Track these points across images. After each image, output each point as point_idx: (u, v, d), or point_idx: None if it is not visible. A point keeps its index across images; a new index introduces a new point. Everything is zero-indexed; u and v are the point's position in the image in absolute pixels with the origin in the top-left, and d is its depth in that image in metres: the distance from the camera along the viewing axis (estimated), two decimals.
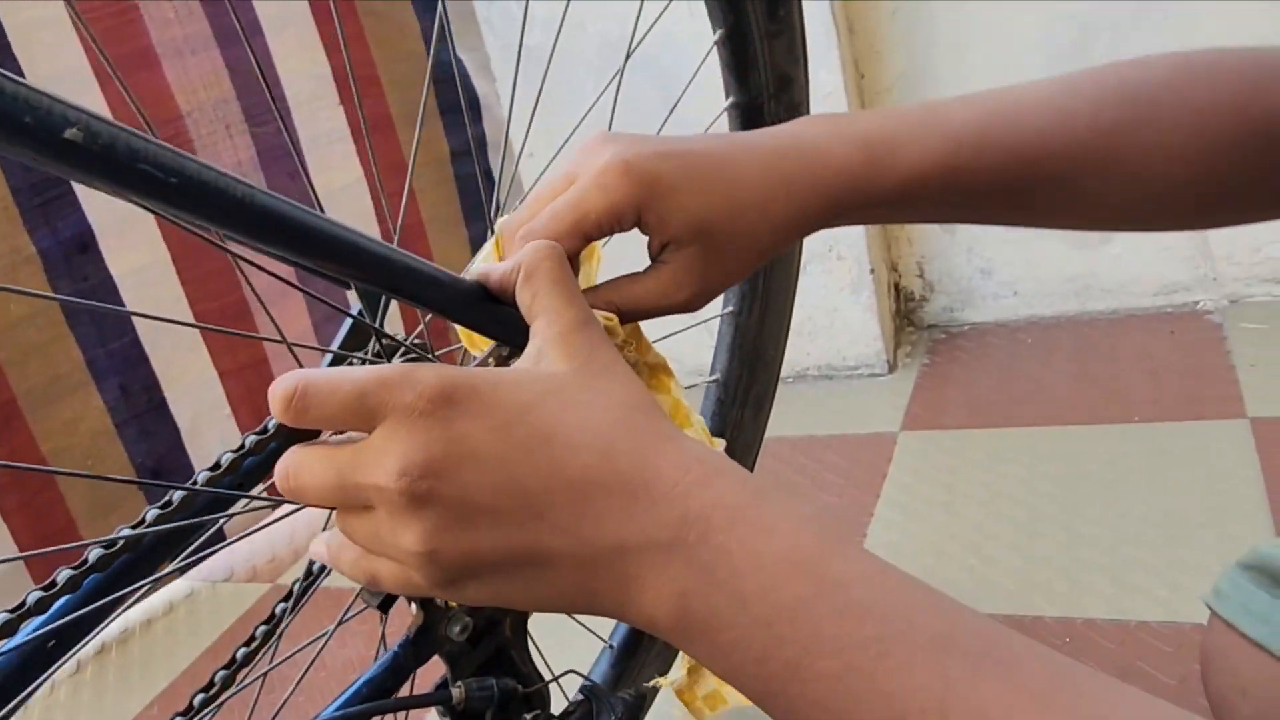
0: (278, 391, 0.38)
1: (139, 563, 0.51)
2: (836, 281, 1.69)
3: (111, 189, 0.34)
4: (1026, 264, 1.73)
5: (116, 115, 1.12)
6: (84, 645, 0.51)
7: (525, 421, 0.38)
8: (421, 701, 0.52)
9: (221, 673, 0.58)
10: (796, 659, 0.35)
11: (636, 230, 0.53)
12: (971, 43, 1.62)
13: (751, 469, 1.02)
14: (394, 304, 0.56)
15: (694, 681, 0.68)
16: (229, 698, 0.59)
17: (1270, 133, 0.53)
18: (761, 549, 0.36)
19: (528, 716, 0.55)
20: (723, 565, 0.36)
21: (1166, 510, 1.19)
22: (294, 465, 0.40)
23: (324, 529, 0.48)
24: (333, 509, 0.41)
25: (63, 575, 0.48)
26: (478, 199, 1.56)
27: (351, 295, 0.51)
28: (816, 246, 1.66)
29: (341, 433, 0.41)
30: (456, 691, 0.51)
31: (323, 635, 0.65)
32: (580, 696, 0.62)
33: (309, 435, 0.46)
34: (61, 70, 1.08)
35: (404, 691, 0.53)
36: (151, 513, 0.50)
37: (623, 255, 0.61)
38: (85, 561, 0.48)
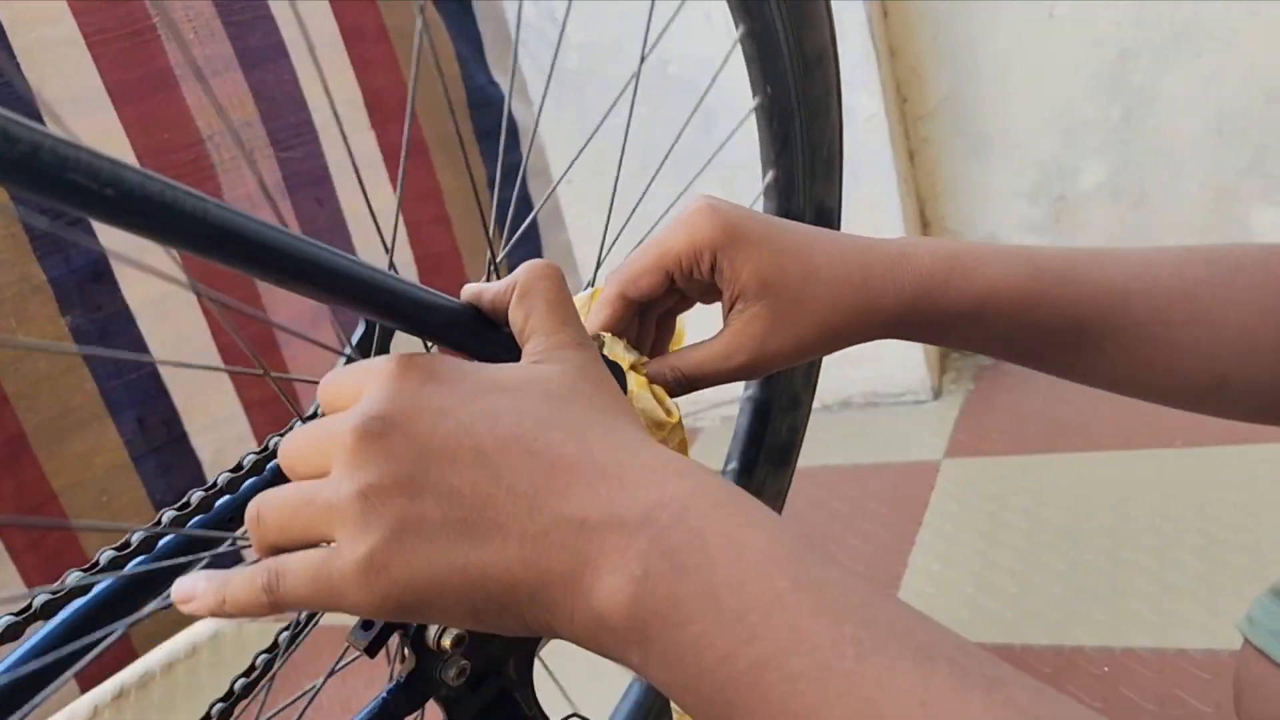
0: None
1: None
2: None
3: (41, 200, 0.29)
4: None
5: (131, 138, 0.98)
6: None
7: (496, 395, 0.35)
8: None
9: (219, 705, 0.49)
10: (766, 657, 0.30)
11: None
12: (1013, 66, 1.52)
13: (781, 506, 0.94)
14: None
15: None
16: None
17: None
18: (742, 539, 0.32)
19: None
20: (694, 551, 0.31)
21: (1208, 536, 1.12)
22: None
23: None
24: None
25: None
26: (516, 224, 1.42)
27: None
28: None
29: None
30: None
31: (312, 688, 0.56)
32: None
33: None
34: (76, 92, 0.95)
35: None
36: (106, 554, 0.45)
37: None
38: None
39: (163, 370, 1.02)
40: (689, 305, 0.55)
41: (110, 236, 0.98)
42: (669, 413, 0.48)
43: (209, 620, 1.25)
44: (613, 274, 0.51)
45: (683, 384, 0.50)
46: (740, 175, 1.48)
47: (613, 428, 0.35)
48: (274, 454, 0.50)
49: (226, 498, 0.50)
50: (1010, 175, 1.57)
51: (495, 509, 0.33)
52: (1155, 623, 1.02)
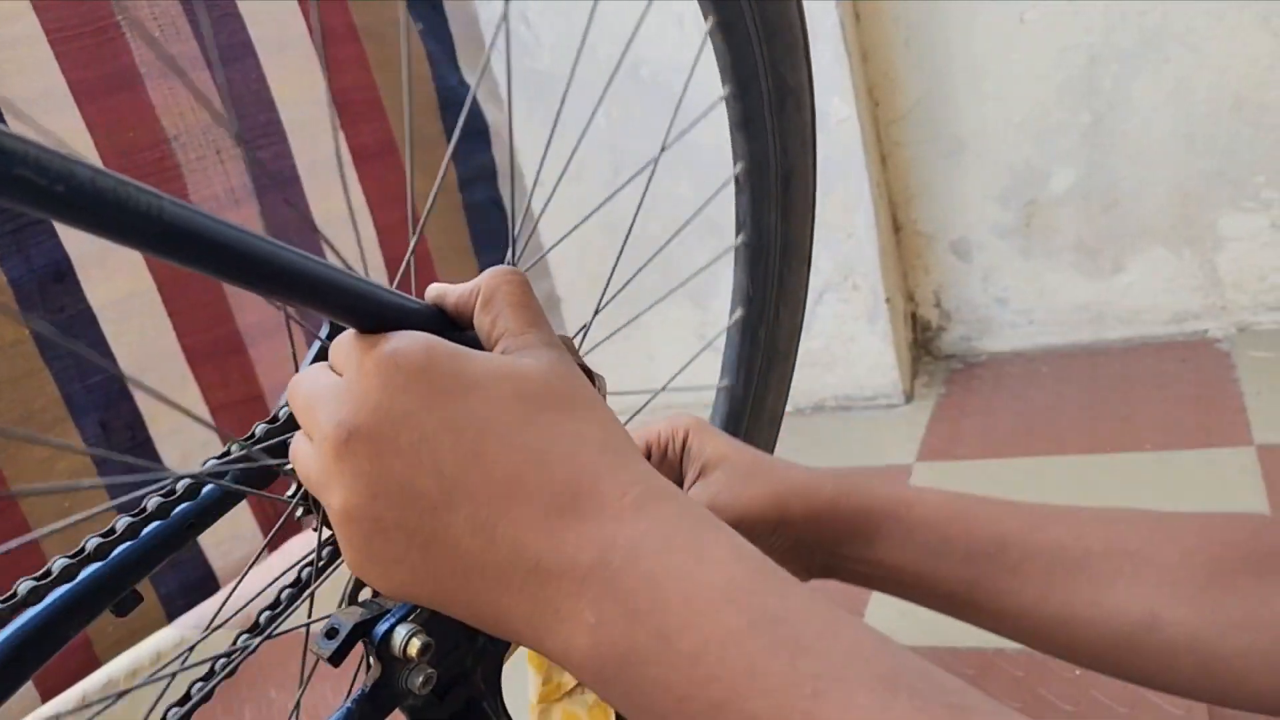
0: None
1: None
2: (852, 310, 1.56)
3: None
4: (1041, 293, 1.62)
5: (95, 138, 0.97)
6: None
7: (465, 399, 0.34)
8: None
9: (175, 710, 0.49)
10: (723, 699, 0.30)
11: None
12: (984, 70, 1.52)
13: None
14: None
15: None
16: None
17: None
18: (695, 577, 0.31)
19: None
20: (646, 595, 0.31)
21: None
22: (297, 378, 0.40)
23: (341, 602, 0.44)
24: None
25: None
26: (487, 228, 1.41)
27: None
28: (832, 275, 1.54)
29: None
30: None
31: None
32: None
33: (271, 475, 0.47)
34: (37, 90, 0.94)
35: None
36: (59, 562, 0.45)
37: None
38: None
39: (127, 373, 1.01)
40: None
41: (73, 236, 0.97)
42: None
43: (173, 627, 1.23)
44: None
45: None
46: (714, 175, 1.48)
47: (579, 439, 0.35)
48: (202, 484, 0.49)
49: (186, 504, 0.50)
50: (982, 179, 1.58)
51: (454, 541, 0.34)
52: None
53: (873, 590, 0.57)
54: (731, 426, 0.87)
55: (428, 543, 0.34)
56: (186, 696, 0.49)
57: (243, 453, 0.48)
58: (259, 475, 0.50)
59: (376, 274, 1.25)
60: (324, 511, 0.47)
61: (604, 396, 0.48)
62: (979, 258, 1.63)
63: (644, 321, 1.41)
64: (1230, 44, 1.38)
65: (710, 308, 1.59)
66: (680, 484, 0.55)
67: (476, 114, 1.36)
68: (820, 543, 0.54)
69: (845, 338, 1.58)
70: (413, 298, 0.41)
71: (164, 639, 1.22)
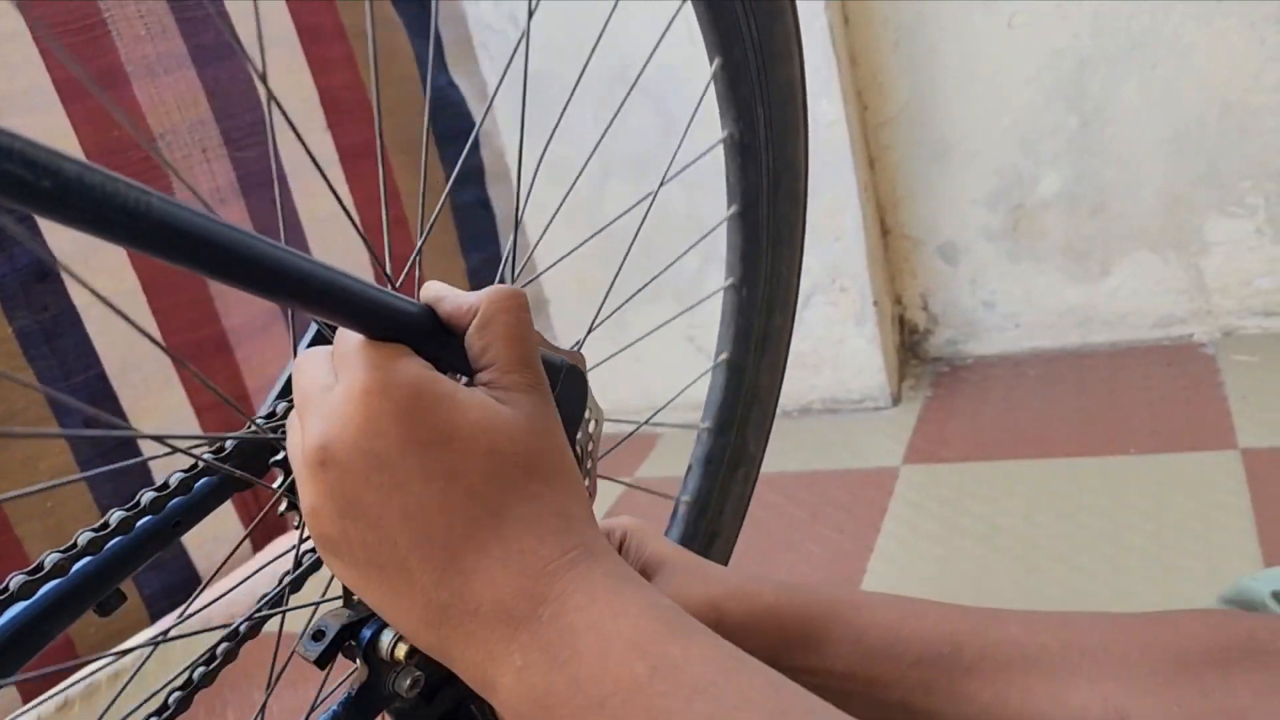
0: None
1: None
2: (840, 313, 1.56)
3: None
4: (1028, 297, 1.63)
5: (81, 135, 0.97)
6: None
7: (440, 450, 0.37)
8: None
9: (154, 719, 0.48)
10: None
11: None
12: (972, 74, 1.53)
13: (753, 483, 0.95)
14: None
15: None
16: None
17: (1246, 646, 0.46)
18: (608, 630, 0.36)
19: None
20: (565, 645, 0.36)
21: (1162, 542, 1.14)
22: (303, 358, 0.41)
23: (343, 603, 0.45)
24: None
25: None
26: (475, 229, 1.41)
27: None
28: (820, 279, 1.54)
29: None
30: None
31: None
32: None
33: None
34: (22, 88, 0.93)
35: None
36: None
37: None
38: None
39: (111, 373, 1.01)
40: None
41: (57, 236, 0.97)
42: None
43: (155, 630, 1.23)
44: None
45: None
46: (704, 181, 1.48)
47: (537, 501, 0.38)
48: (202, 472, 0.49)
49: (178, 499, 0.49)
50: (969, 183, 1.59)
51: (410, 570, 0.37)
52: None
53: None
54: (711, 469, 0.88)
55: (384, 566, 0.37)
56: (164, 706, 0.49)
57: (252, 431, 0.48)
58: (256, 464, 0.49)
59: (364, 274, 1.25)
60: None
61: (585, 371, 0.49)
62: (966, 261, 1.64)
63: (630, 323, 1.41)
64: (1217, 49, 1.39)
65: (697, 310, 1.59)
66: None
67: (464, 115, 1.36)
68: (760, 650, 0.51)
69: (833, 340, 1.59)
70: (406, 298, 0.41)
71: (146, 640, 1.21)
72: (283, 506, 0.47)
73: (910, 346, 1.74)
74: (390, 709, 0.44)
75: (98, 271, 0.99)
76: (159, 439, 0.43)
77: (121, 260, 1.01)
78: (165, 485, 0.47)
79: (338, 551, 0.38)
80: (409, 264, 0.49)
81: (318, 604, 0.48)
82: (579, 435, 0.49)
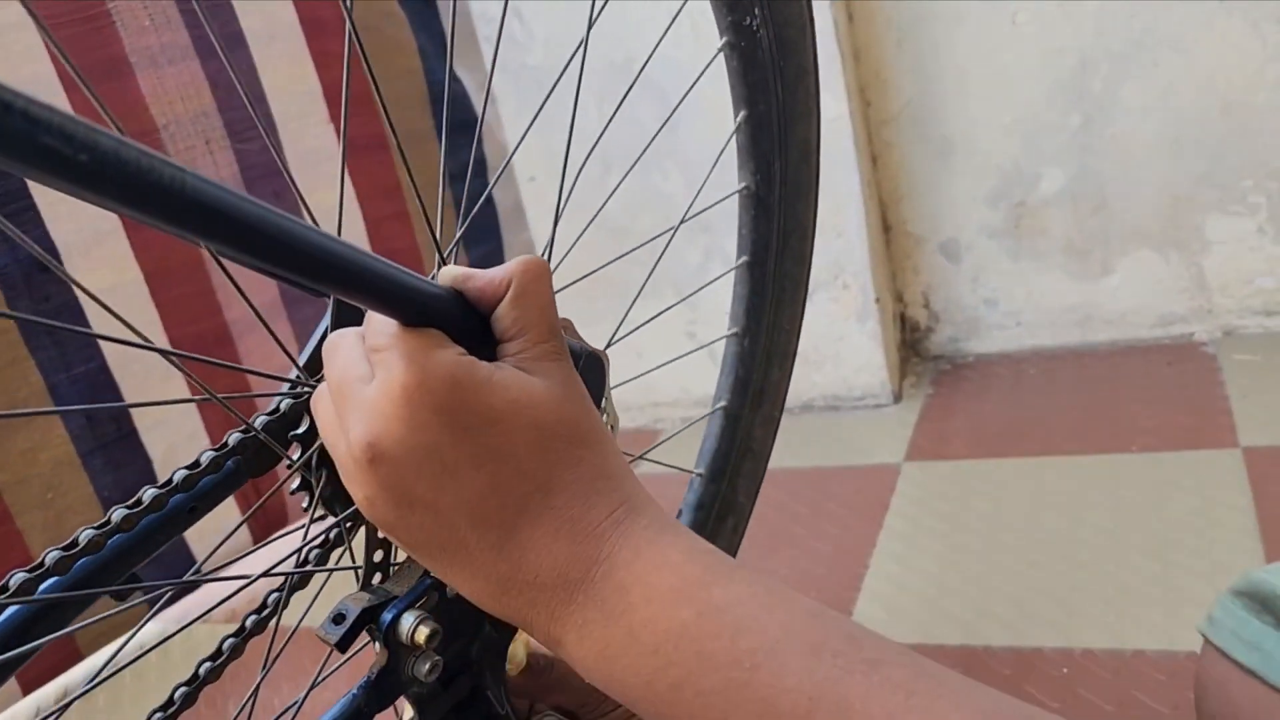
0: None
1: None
2: (842, 310, 1.57)
3: (9, 166, 0.27)
4: (1029, 295, 1.63)
5: None
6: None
7: (486, 433, 0.38)
8: None
9: (158, 715, 0.48)
10: (681, 679, 0.37)
11: None
12: (975, 72, 1.54)
13: (762, 474, 0.96)
14: None
15: None
16: None
17: None
18: (654, 581, 0.38)
19: None
20: (618, 600, 0.38)
21: (1163, 539, 1.14)
22: (335, 340, 0.42)
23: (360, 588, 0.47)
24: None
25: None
26: (477, 222, 1.41)
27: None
28: (822, 275, 1.55)
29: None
30: None
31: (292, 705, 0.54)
32: None
33: (268, 459, 0.48)
34: (25, 78, 0.93)
35: None
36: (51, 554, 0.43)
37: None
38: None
39: (112, 364, 1.01)
40: None
41: (60, 225, 0.97)
42: None
43: (156, 622, 1.23)
44: None
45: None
46: (701, 176, 1.48)
47: (580, 465, 0.40)
48: (233, 451, 0.49)
49: (181, 495, 0.49)
50: (971, 180, 1.59)
51: (469, 549, 0.39)
52: (1113, 624, 1.03)
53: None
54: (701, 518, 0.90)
55: (445, 546, 0.39)
56: (170, 701, 0.49)
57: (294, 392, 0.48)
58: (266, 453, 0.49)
59: None
60: (319, 487, 0.47)
61: (608, 372, 0.50)
62: (968, 259, 1.64)
63: (632, 319, 1.41)
64: (1219, 48, 1.40)
65: (699, 306, 1.60)
66: None
67: (467, 108, 1.36)
68: None
69: (834, 337, 1.59)
70: (433, 282, 0.41)
71: (147, 633, 1.22)
72: (294, 484, 0.47)
73: (912, 344, 1.74)
74: (408, 694, 0.44)
75: (101, 263, 0.99)
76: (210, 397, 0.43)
77: (124, 251, 1.01)
78: (196, 463, 0.48)
79: (397, 534, 0.40)
80: (447, 251, 0.50)
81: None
82: None
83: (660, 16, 1.40)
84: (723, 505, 0.90)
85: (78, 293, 0.98)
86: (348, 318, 0.47)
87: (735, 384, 0.86)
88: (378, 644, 0.43)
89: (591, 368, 0.47)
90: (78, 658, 1.02)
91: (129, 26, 0.99)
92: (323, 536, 0.50)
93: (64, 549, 0.45)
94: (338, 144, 1.19)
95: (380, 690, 0.43)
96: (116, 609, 0.48)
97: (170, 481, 0.48)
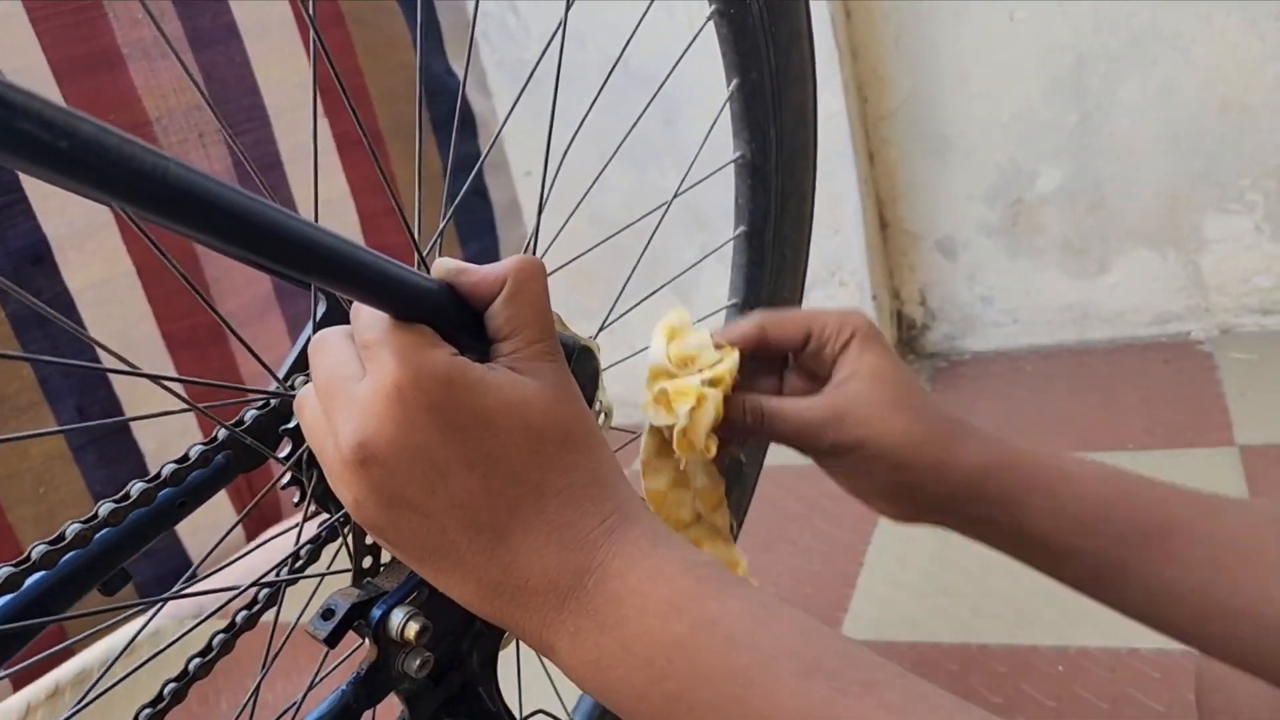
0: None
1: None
2: (838, 306, 1.56)
3: None
4: (1026, 293, 1.63)
5: None
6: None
7: (479, 435, 0.38)
8: None
9: (147, 711, 0.48)
10: (676, 692, 0.36)
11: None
12: (973, 69, 1.54)
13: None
14: None
15: None
16: None
17: None
18: (647, 593, 0.38)
19: None
20: (611, 611, 0.38)
21: None
22: (322, 338, 0.41)
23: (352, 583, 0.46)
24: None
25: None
26: (473, 218, 1.41)
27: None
28: (819, 272, 1.54)
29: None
30: None
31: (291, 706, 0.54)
32: None
33: (258, 454, 0.47)
34: (16, 68, 0.93)
35: None
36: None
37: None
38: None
39: (104, 357, 1.00)
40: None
41: (52, 218, 0.96)
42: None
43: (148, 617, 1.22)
44: (761, 310, 0.56)
45: (755, 425, 0.54)
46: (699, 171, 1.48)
47: (573, 469, 0.40)
48: (222, 446, 0.49)
49: (169, 490, 0.49)
50: (969, 178, 1.59)
51: (460, 553, 0.38)
52: (1108, 622, 1.02)
53: (988, 546, 0.56)
54: None
55: (435, 549, 0.39)
56: (159, 697, 0.49)
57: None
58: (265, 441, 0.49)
59: None
60: (312, 484, 0.47)
61: (599, 362, 0.49)
62: (965, 256, 1.64)
63: (624, 308, 1.41)
64: (1218, 47, 1.40)
65: (693, 301, 1.59)
66: (825, 379, 0.54)
67: (463, 104, 1.36)
68: (944, 500, 0.53)
69: None
70: (426, 276, 0.41)
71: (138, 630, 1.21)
72: (285, 479, 0.47)
73: (908, 341, 1.74)
74: (398, 690, 0.44)
75: (93, 256, 0.99)
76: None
77: (117, 245, 1.00)
78: (185, 458, 0.47)
79: (387, 537, 0.39)
80: (430, 246, 0.49)
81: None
82: None
83: (656, 11, 1.39)
84: (728, 476, 0.89)
85: (70, 286, 0.97)
86: (336, 317, 0.47)
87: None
88: (367, 640, 0.43)
89: (583, 362, 0.46)
90: (69, 653, 1.02)
91: (121, 18, 0.98)
92: (316, 535, 0.50)
93: (50, 543, 0.44)
94: (331, 137, 1.18)
95: (370, 686, 0.43)
96: (107, 605, 0.48)
97: (158, 476, 0.47)
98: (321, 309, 0.48)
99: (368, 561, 0.47)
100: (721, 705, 0.36)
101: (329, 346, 0.41)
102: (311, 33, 0.47)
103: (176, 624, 1.23)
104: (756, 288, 0.82)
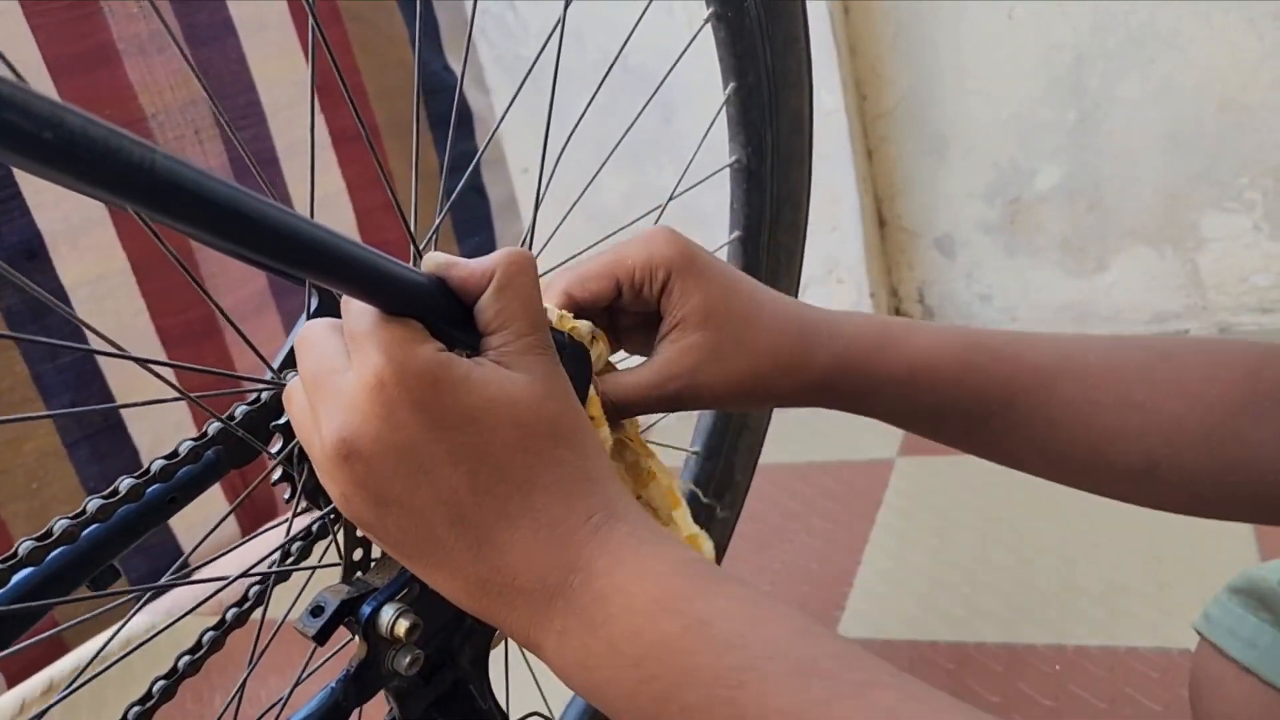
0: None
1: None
2: (836, 304, 1.55)
3: None
4: (1024, 291, 1.63)
5: None
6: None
7: (464, 431, 0.37)
8: None
9: (136, 709, 0.48)
10: (665, 693, 0.36)
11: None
12: (971, 67, 1.53)
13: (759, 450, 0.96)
14: None
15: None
16: None
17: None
18: (635, 591, 0.37)
19: None
20: (598, 609, 0.37)
21: (1157, 536, 1.14)
22: (309, 330, 0.41)
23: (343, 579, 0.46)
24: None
25: None
26: (469, 214, 1.41)
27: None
28: (816, 270, 1.54)
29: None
30: None
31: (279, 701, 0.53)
32: None
33: (249, 450, 0.47)
34: (12, 63, 0.92)
35: None
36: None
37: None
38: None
39: (95, 343, 1.00)
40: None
41: (46, 213, 0.96)
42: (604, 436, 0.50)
43: (143, 615, 1.22)
44: (562, 272, 0.52)
45: (610, 411, 0.50)
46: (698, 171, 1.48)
47: (560, 466, 0.39)
48: (212, 441, 0.49)
49: (158, 486, 0.48)
50: (967, 176, 1.59)
51: (447, 551, 0.38)
52: (1106, 621, 1.03)
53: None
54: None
55: (421, 545, 0.38)
56: (149, 695, 0.48)
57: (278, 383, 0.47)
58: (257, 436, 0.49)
59: None
60: (302, 479, 0.47)
61: (592, 356, 0.49)
62: (963, 254, 1.64)
63: None
64: (1217, 45, 1.39)
65: None
66: (654, 328, 0.51)
67: (460, 100, 1.35)
68: (795, 397, 0.52)
69: None
70: (415, 270, 0.40)
71: (134, 625, 1.21)
72: (276, 474, 0.47)
73: None
74: (388, 688, 0.43)
75: (87, 251, 0.98)
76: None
77: (111, 240, 1.00)
78: (175, 453, 0.47)
79: (374, 532, 0.39)
80: (425, 241, 0.49)
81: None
82: None
83: (655, 10, 1.39)
84: (719, 483, 0.89)
85: (64, 282, 0.97)
86: (329, 313, 0.46)
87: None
88: (357, 637, 0.42)
89: (575, 358, 0.46)
90: (63, 650, 1.02)
91: (117, 13, 0.98)
92: (306, 531, 0.50)
93: (38, 539, 0.44)
94: (328, 134, 1.18)
95: (360, 684, 0.42)
96: (99, 603, 0.47)
97: (147, 472, 0.47)
98: (315, 304, 0.47)
99: (358, 555, 0.46)
100: (712, 707, 0.35)
101: (316, 339, 0.40)
102: (311, 28, 0.46)
103: (170, 620, 1.22)
104: None
